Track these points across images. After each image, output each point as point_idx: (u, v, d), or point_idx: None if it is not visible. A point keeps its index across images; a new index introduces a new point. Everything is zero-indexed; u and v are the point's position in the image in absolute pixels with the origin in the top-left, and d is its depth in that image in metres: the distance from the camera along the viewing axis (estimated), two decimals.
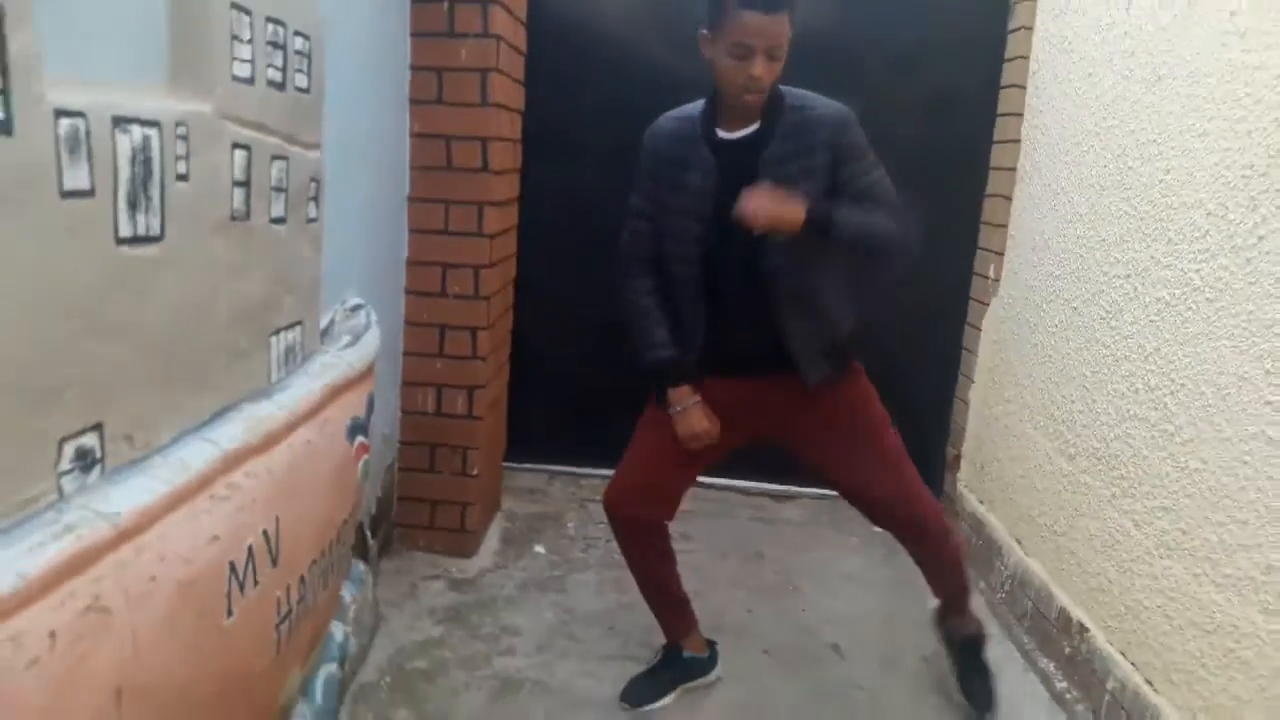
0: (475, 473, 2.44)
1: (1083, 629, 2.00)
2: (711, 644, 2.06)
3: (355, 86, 1.92)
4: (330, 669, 1.74)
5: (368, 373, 1.79)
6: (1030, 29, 2.66)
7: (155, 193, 1.09)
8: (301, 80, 1.49)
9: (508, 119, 2.42)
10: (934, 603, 2.05)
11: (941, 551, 1.90)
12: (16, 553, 0.86)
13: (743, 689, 2.04)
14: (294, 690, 1.55)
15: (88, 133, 0.96)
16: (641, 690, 1.96)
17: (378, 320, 1.94)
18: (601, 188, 2.70)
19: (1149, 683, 1.76)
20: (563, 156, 2.82)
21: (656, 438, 1.81)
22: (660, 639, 2.05)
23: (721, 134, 1.67)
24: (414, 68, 2.25)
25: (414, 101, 2.26)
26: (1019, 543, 2.41)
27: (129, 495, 1.02)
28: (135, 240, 1.05)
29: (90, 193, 0.97)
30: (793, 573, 2.61)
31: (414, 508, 2.46)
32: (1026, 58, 2.66)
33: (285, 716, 1.53)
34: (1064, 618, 2.09)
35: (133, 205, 1.04)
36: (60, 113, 0.91)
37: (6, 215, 0.85)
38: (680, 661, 2.01)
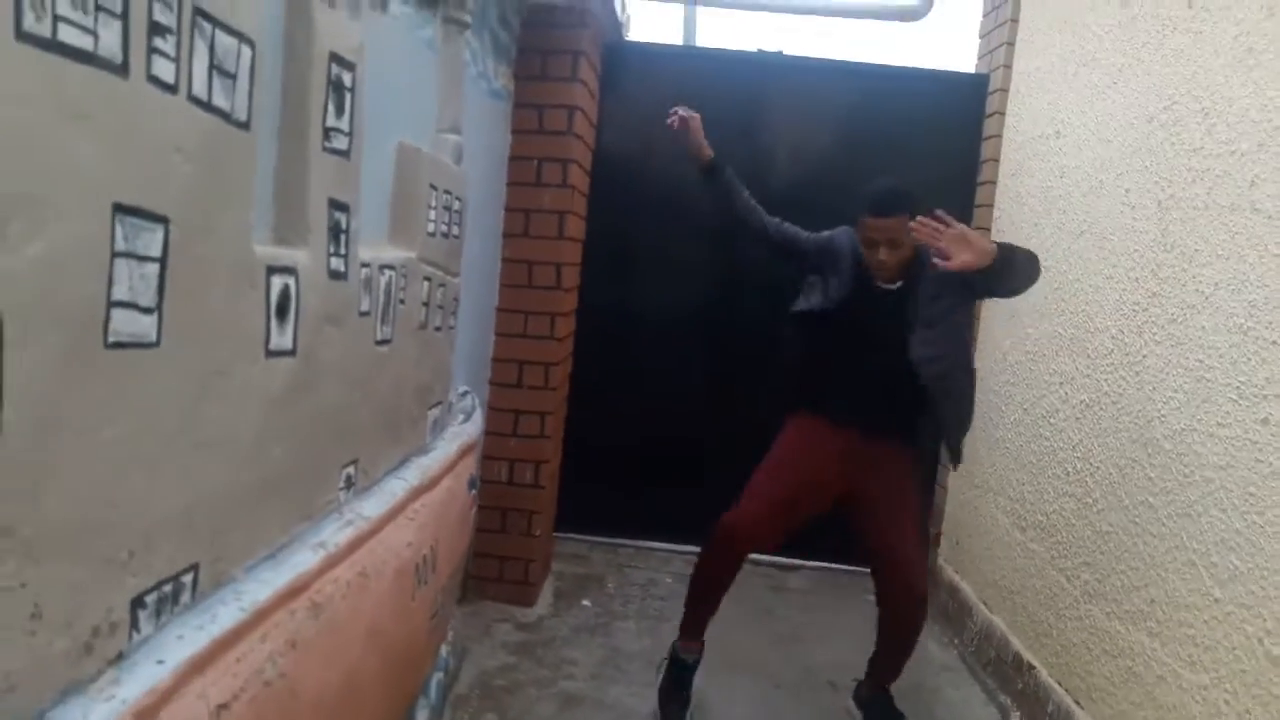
0: (537, 534, 2.96)
1: (1030, 667, 2.49)
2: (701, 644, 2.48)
3: (472, 225, 2.54)
4: (439, 675, 2.23)
5: (477, 442, 2.34)
6: (994, 183, 3.33)
7: (391, 312, 1.67)
8: (456, 230, 2.11)
9: (576, 248, 3.05)
10: (856, 685, 2.49)
11: (918, 620, 2.29)
12: (329, 532, 1.40)
13: (758, 713, 2.51)
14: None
15: (370, 276, 1.55)
16: (679, 709, 2.43)
17: (479, 404, 2.51)
18: (643, 300, 3.33)
19: (1077, 703, 2.24)
20: (613, 274, 3.45)
21: (787, 479, 2.30)
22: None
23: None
24: (508, 209, 2.89)
25: (506, 235, 2.89)
26: (985, 603, 2.90)
27: (372, 507, 1.56)
28: (382, 342, 1.63)
29: (369, 313, 1.55)
30: (797, 627, 3.09)
31: (486, 563, 2.96)
32: (991, 206, 3.32)
33: (414, 705, 2.02)
34: (1017, 660, 2.58)
35: (383, 320, 1.63)
36: (362, 264, 1.50)
37: (339, 327, 1.42)
38: (688, 669, 2.44)
